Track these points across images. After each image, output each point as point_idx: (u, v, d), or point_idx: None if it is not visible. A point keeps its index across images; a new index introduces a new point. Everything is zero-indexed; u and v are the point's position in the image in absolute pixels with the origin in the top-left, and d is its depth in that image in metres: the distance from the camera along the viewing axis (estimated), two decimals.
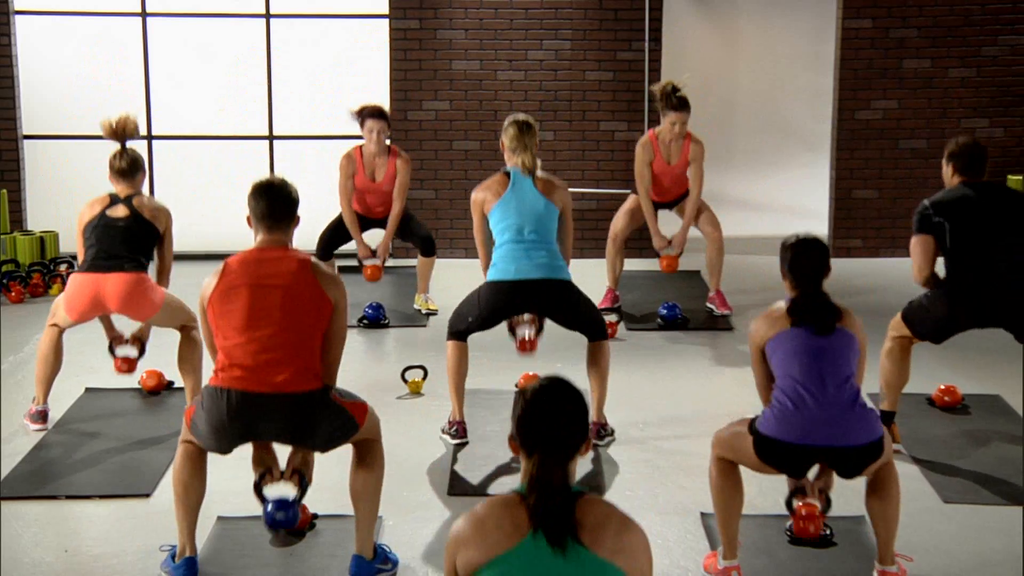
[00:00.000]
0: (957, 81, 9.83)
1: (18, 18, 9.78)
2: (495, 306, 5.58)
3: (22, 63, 9.85)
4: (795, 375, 4.16)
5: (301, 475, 4.37)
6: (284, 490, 4.34)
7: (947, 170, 5.56)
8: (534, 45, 9.85)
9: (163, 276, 6.01)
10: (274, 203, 4.28)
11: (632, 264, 8.49)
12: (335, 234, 8.02)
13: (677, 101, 7.64)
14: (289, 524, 4.31)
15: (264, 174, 4.48)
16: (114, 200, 5.87)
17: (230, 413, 4.12)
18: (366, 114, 7.75)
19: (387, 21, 9.84)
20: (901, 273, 9.17)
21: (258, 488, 4.33)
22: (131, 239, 5.79)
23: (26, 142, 9.89)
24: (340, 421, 4.25)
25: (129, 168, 5.89)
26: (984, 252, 5.33)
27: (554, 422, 2.81)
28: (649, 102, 9.71)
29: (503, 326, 5.80)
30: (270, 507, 4.27)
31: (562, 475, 2.79)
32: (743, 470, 4.33)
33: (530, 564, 2.73)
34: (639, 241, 8.20)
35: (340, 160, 7.89)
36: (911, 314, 5.55)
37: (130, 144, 5.97)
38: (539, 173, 5.70)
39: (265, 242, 4.30)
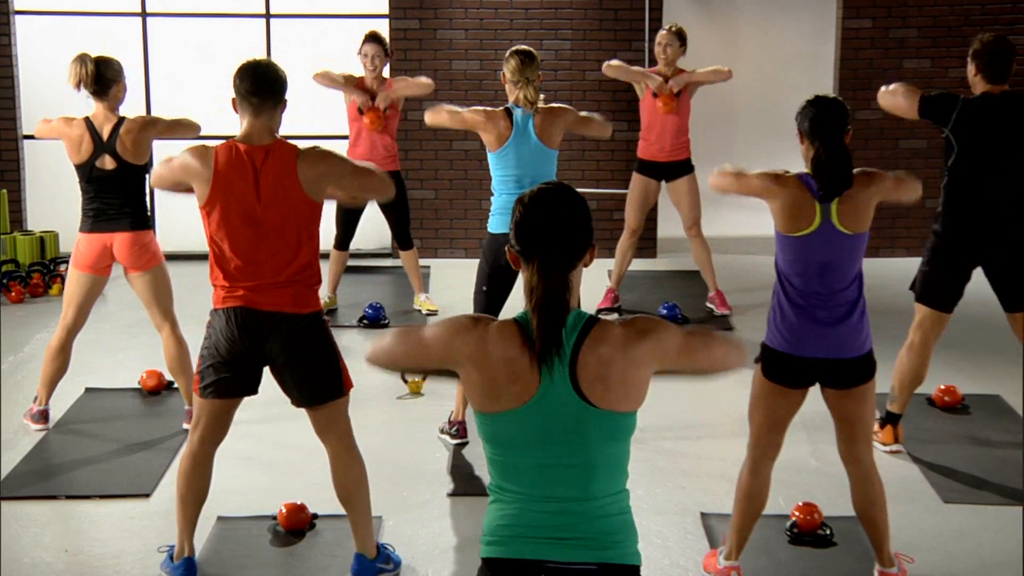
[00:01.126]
0: (957, 81, 9.79)
1: (18, 18, 9.78)
2: (501, 256, 5.42)
3: (22, 63, 9.85)
4: (800, 285, 4.12)
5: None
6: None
7: (971, 69, 5.41)
8: (534, 45, 9.77)
9: (184, 126, 6.05)
10: (260, 82, 4.18)
11: (632, 264, 8.49)
12: (345, 221, 7.88)
13: (666, 26, 7.83)
14: None
15: (252, 55, 4.37)
16: (97, 145, 5.80)
17: (239, 328, 4.13)
18: (364, 40, 7.71)
19: (387, 21, 9.84)
20: (901, 273, 9.17)
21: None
22: (124, 189, 5.82)
23: (26, 142, 9.89)
24: (333, 368, 4.23)
25: (105, 81, 5.78)
26: (985, 181, 5.28)
27: (555, 221, 2.68)
28: None
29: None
30: None
31: (565, 284, 2.67)
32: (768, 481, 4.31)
33: (542, 417, 2.65)
34: (640, 241, 8.19)
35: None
36: (919, 287, 5.50)
37: (101, 54, 5.82)
38: (540, 105, 5.64)
39: (251, 129, 4.19)
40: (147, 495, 5.19)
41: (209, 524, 4.78)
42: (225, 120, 9.98)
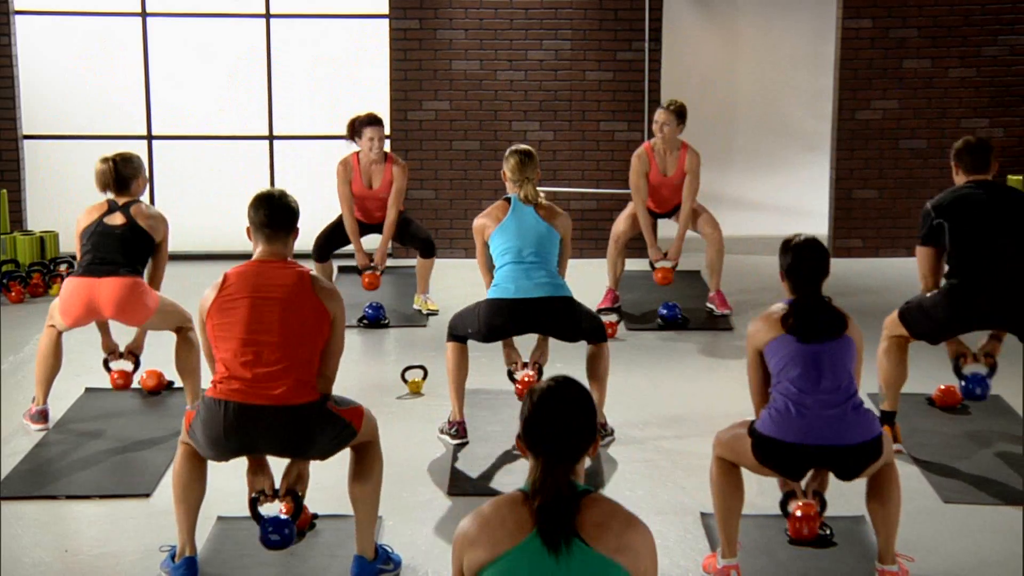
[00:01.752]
0: (957, 81, 9.83)
1: (18, 18, 9.78)
2: (494, 323, 5.59)
3: (22, 63, 9.85)
4: (793, 379, 4.16)
5: (295, 495, 4.36)
6: (279, 509, 4.34)
7: (953, 168, 5.57)
8: (534, 45, 9.85)
9: (155, 283, 6.00)
10: (274, 214, 4.27)
11: (632, 264, 8.49)
12: (331, 237, 8.02)
13: (665, 103, 7.83)
14: (284, 544, 4.30)
15: (264, 185, 4.46)
16: (112, 207, 5.87)
17: (228, 425, 4.12)
18: (363, 123, 7.74)
19: (387, 21, 9.84)
20: (901, 273, 9.18)
21: (253, 507, 4.32)
22: (127, 246, 5.80)
23: (26, 142, 9.89)
24: (338, 429, 4.25)
25: (124, 179, 5.89)
26: (983, 253, 5.33)
27: (561, 423, 2.83)
28: (649, 102, 9.72)
29: (501, 359, 5.96)
30: (266, 527, 4.26)
31: (567, 477, 2.80)
32: (744, 471, 4.33)
33: (533, 562, 2.74)
34: (640, 241, 8.19)
35: (336, 167, 7.88)
36: (908, 315, 5.54)
37: (127, 150, 5.98)
38: (542, 201, 5.75)
39: (264, 254, 4.29)
40: (147, 495, 5.19)
41: (209, 524, 4.78)
42: (226, 120, 10.06)
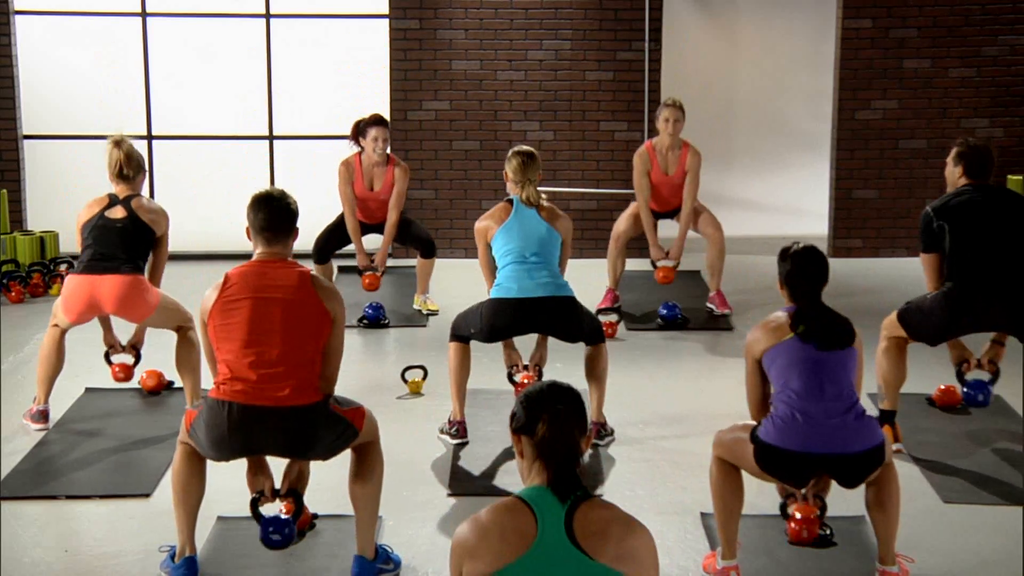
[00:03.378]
0: (957, 81, 9.82)
1: (18, 18, 9.78)
2: (496, 323, 5.60)
3: (22, 63, 9.85)
4: (794, 387, 4.15)
5: (296, 494, 4.36)
6: (280, 509, 4.35)
7: (954, 170, 5.55)
8: (534, 45, 9.85)
9: (155, 279, 6.01)
10: (273, 216, 4.27)
11: (632, 264, 8.49)
12: (331, 238, 8.01)
13: (670, 101, 7.84)
14: (285, 543, 4.30)
15: (263, 185, 4.45)
16: (113, 201, 5.88)
17: (231, 426, 4.12)
18: (369, 123, 7.74)
19: (387, 21, 9.84)
20: (901, 273, 9.18)
21: (254, 507, 4.32)
22: (128, 240, 5.80)
23: (26, 142, 9.89)
24: (340, 430, 4.25)
25: (130, 171, 5.90)
26: (982, 256, 5.32)
27: (558, 407, 2.87)
28: (649, 102, 9.72)
29: (502, 359, 5.98)
30: (267, 527, 4.26)
31: (573, 439, 2.85)
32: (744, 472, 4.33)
33: (534, 574, 2.74)
34: (639, 241, 8.19)
35: (338, 167, 7.88)
36: (908, 316, 5.54)
37: (131, 143, 5.99)
38: (543, 203, 5.76)
39: (265, 254, 4.29)
40: (147, 495, 5.19)
41: (209, 524, 4.78)
42: (226, 120, 10.06)
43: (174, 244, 6.33)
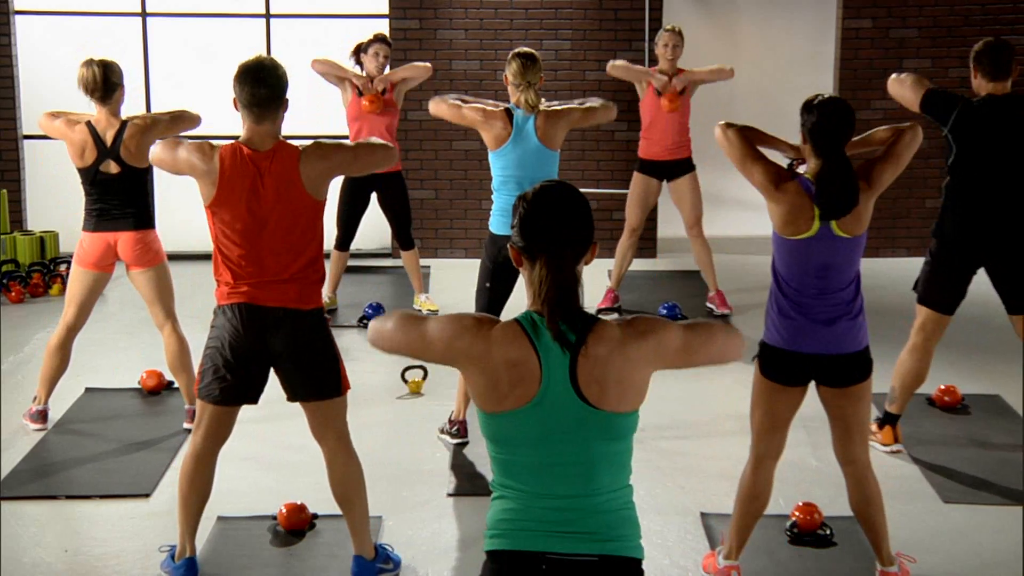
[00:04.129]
0: (957, 81, 9.80)
1: (18, 18, 9.78)
2: (502, 255, 5.49)
3: (22, 63, 9.85)
4: (798, 286, 4.11)
5: None
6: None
7: (972, 73, 5.40)
8: (534, 45, 9.80)
9: (185, 122, 6.05)
10: (259, 90, 4.14)
11: (632, 264, 8.49)
12: (348, 220, 7.90)
13: (670, 26, 7.85)
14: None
15: (252, 54, 4.33)
16: (100, 150, 5.84)
17: (243, 324, 4.15)
18: (372, 40, 7.73)
19: (387, 21, 9.84)
20: (901, 273, 9.18)
21: None
22: (129, 192, 5.85)
23: (26, 142, 9.89)
24: (333, 366, 4.26)
25: (111, 85, 5.87)
26: (986, 183, 5.27)
27: (558, 218, 2.71)
28: None
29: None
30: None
31: (571, 273, 2.69)
32: (777, 475, 4.30)
33: (543, 416, 2.67)
34: (640, 241, 8.20)
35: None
36: (924, 296, 5.49)
37: (107, 61, 5.90)
38: (541, 107, 5.63)
39: (254, 134, 4.18)
40: (147, 495, 5.19)
41: (209, 524, 4.77)
42: (226, 120, 10.01)
43: (174, 244, 6.31)
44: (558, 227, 2.70)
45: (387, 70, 7.84)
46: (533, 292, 2.71)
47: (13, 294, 8.45)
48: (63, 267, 8.86)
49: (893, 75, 5.58)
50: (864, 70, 9.80)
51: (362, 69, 7.83)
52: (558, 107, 5.71)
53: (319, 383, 4.26)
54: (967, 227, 5.34)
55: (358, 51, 7.82)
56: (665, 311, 7.84)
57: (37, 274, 8.68)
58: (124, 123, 5.84)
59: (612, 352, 2.68)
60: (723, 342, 2.84)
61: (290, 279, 4.17)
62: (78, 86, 5.86)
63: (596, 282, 8.16)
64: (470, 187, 9.85)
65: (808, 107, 4.15)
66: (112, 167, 5.84)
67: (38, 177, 9.89)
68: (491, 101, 5.74)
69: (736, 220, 10.16)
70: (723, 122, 4.32)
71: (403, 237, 8.03)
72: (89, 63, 5.85)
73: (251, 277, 4.15)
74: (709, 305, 8.13)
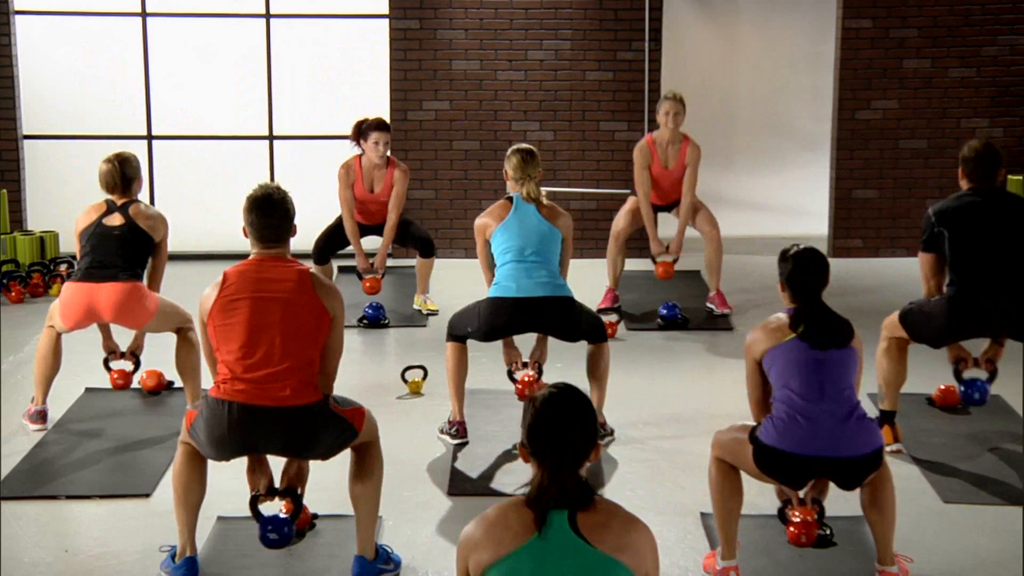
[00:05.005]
0: (957, 81, 9.82)
1: (18, 18, 9.78)
2: (495, 323, 5.60)
3: (22, 63, 9.85)
4: (794, 387, 4.15)
5: (294, 493, 4.36)
6: (280, 508, 4.35)
7: (959, 172, 5.51)
8: (534, 45, 9.85)
9: (155, 284, 6.01)
10: (271, 220, 4.24)
11: (632, 264, 8.50)
12: (332, 239, 8.02)
13: (671, 94, 7.83)
14: (284, 543, 4.29)
15: (260, 183, 4.38)
16: (111, 208, 5.88)
17: (231, 425, 4.12)
18: (371, 127, 7.73)
19: (387, 21, 9.84)
20: (901, 273, 9.18)
21: (253, 505, 4.32)
22: (126, 247, 5.80)
23: (26, 142, 9.89)
24: (340, 430, 4.26)
25: (128, 179, 5.91)
26: (983, 262, 5.31)
27: (565, 430, 2.85)
28: (649, 102, 9.71)
29: (501, 359, 5.97)
30: (265, 526, 4.25)
31: (574, 481, 2.84)
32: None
33: (536, 562, 2.77)
34: (639, 241, 8.20)
35: (338, 170, 7.88)
36: (910, 318, 5.53)
37: (125, 151, 6.00)
38: (543, 201, 5.75)
39: (263, 253, 4.27)
40: (147, 495, 5.19)
41: (209, 524, 4.77)
42: (226, 121, 10.05)
43: (174, 244, 6.32)
44: (565, 439, 2.86)
45: (388, 154, 7.84)
46: (534, 487, 2.85)
47: (13, 294, 8.45)
48: (63, 267, 8.86)
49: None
50: (864, 70, 9.80)
51: (360, 149, 7.80)
52: (558, 208, 5.82)
53: (333, 452, 4.32)
54: (972, 299, 5.35)
55: (358, 134, 7.79)
56: (665, 311, 7.83)
57: (37, 274, 8.68)
58: (138, 200, 5.95)
59: (605, 528, 2.83)
60: None
61: (286, 376, 4.15)
62: (99, 183, 5.91)
63: (596, 282, 8.16)
64: (470, 187, 9.85)
65: (784, 256, 4.32)
66: (116, 219, 5.85)
67: (38, 177, 9.90)
68: (482, 220, 5.82)
69: (736, 220, 10.17)
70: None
71: (423, 247, 8.12)
72: (109, 161, 5.90)
73: (246, 374, 4.15)
74: (709, 305, 8.13)
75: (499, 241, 5.71)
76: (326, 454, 4.30)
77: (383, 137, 7.74)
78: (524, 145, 5.85)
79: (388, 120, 7.98)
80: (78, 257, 5.88)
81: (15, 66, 9.74)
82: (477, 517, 2.89)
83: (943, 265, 5.46)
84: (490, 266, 5.84)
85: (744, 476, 4.33)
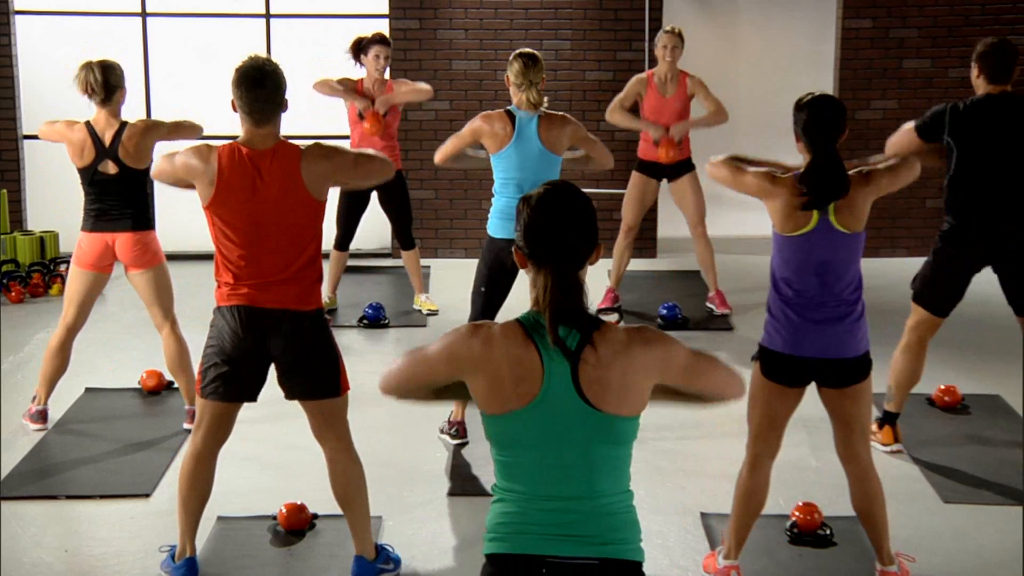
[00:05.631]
0: (957, 81, 9.81)
1: (18, 18, 9.78)
2: (499, 260, 5.50)
3: (22, 63, 9.85)
4: (799, 286, 4.11)
5: None
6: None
7: (973, 71, 5.40)
8: (534, 45, 9.82)
9: (185, 133, 6.03)
10: (262, 93, 4.13)
11: (632, 264, 8.49)
12: (347, 221, 7.90)
13: (669, 27, 7.83)
14: None
15: (250, 54, 4.29)
16: (100, 151, 5.84)
17: (243, 326, 4.14)
18: (372, 41, 7.70)
19: (387, 21, 9.84)
20: (901, 273, 9.18)
21: None
22: (128, 193, 5.86)
23: (26, 142, 9.89)
24: (332, 366, 4.25)
25: (111, 87, 5.87)
26: (989, 183, 5.25)
27: (563, 224, 2.68)
28: None
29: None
30: None
31: (575, 279, 2.68)
32: (772, 477, 4.30)
33: (545, 416, 2.67)
34: (640, 241, 8.20)
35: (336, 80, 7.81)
36: (920, 294, 5.49)
37: (107, 63, 5.90)
38: (543, 110, 5.64)
39: (253, 136, 4.18)
40: (147, 495, 5.19)
41: (209, 524, 4.77)
42: (226, 121, 10.01)
43: (174, 244, 6.31)
44: (562, 235, 2.68)
45: (387, 72, 7.83)
46: (536, 296, 2.69)
47: (13, 294, 8.45)
48: (63, 267, 8.86)
49: (889, 139, 5.66)
50: (864, 70, 9.80)
51: (362, 68, 7.82)
52: (562, 114, 5.71)
53: (318, 383, 4.26)
54: (971, 226, 5.32)
55: (357, 50, 7.79)
56: (665, 311, 7.83)
57: (37, 274, 8.68)
58: (123, 124, 5.85)
59: (616, 355, 2.68)
60: (726, 378, 2.90)
61: (289, 279, 4.16)
62: (77, 88, 5.86)
63: (596, 282, 8.15)
64: (470, 187, 9.85)
65: (799, 105, 4.17)
66: (111, 167, 5.84)
67: (38, 177, 9.89)
68: (479, 117, 5.75)
69: (736, 220, 10.16)
70: (711, 160, 4.31)
71: (404, 236, 8.03)
72: (88, 65, 5.84)
73: (250, 278, 4.15)
74: (709, 305, 8.13)
75: (499, 167, 5.65)
76: (314, 381, 4.23)
77: (384, 51, 7.71)
78: (527, 50, 5.71)
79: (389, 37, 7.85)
80: (84, 195, 5.89)
81: (15, 66, 9.74)
82: (473, 333, 2.72)
83: (922, 149, 5.35)
84: (460, 153, 5.78)
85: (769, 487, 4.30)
